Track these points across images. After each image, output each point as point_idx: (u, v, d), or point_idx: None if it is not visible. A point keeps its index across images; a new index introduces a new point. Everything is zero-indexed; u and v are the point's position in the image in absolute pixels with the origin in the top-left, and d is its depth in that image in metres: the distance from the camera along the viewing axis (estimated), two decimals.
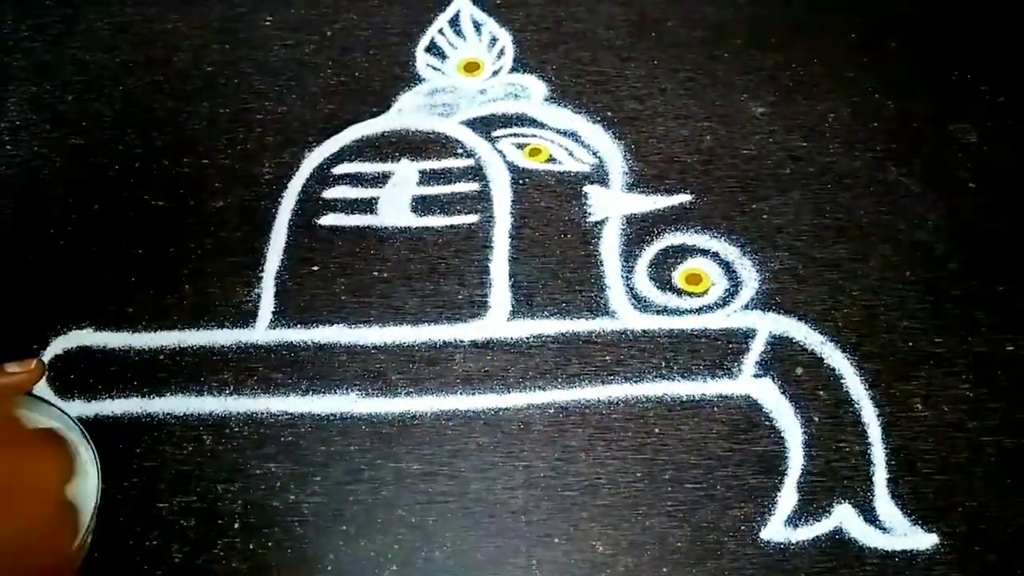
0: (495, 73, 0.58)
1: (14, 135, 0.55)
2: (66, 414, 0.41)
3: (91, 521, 0.38)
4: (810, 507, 0.43)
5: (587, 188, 0.53)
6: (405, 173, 0.53)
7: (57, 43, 0.59)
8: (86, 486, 0.40)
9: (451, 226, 0.52)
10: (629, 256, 0.51)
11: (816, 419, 0.46)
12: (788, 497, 0.44)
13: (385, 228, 0.52)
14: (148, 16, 0.60)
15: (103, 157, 0.54)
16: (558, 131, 0.55)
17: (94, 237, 0.51)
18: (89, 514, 0.38)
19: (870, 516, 0.43)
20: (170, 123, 0.56)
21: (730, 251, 0.51)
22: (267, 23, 0.60)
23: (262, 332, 0.48)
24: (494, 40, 0.59)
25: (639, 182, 0.53)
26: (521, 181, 0.53)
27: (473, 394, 0.46)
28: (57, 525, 0.32)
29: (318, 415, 0.46)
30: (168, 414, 0.45)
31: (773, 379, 0.47)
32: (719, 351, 0.48)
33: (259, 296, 0.49)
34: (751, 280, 0.50)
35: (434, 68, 0.58)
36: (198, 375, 0.47)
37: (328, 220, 0.52)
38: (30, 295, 0.49)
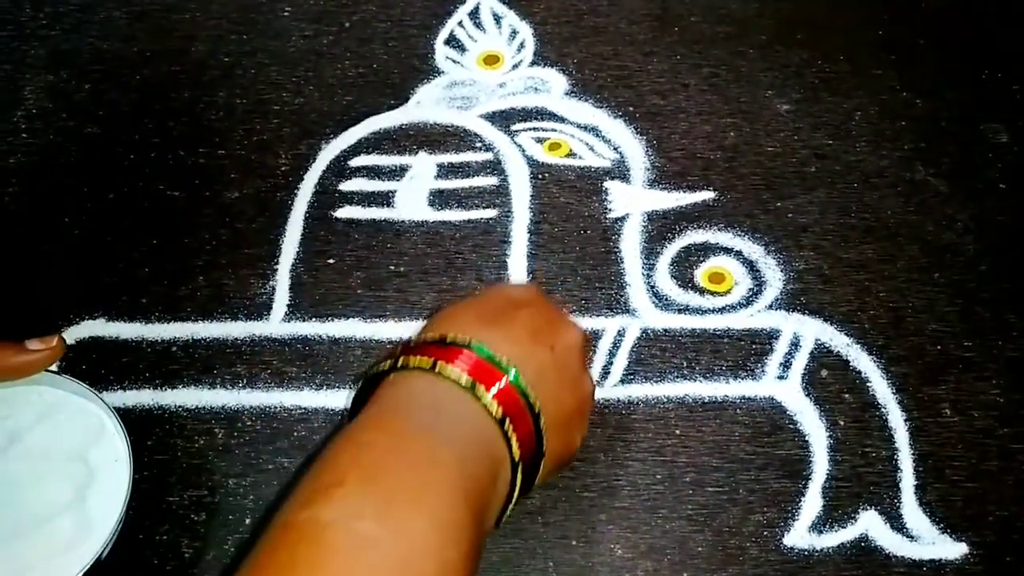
0: (515, 66, 0.57)
1: (30, 123, 0.55)
2: (88, 387, 0.42)
3: (126, 497, 0.38)
4: (835, 513, 0.42)
5: (608, 184, 0.52)
6: (423, 166, 0.53)
7: (74, 32, 0.59)
8: (113, 455, 0.40)
9: (469, 220, 0.51)
10: (650, 253, 0.50)
11: (841, 423, 0.45)
12: (812, 502, 0.42)
13: (402, 221, 0.51)
14: (166, 5, 0.60)
15: (119, 147, 0.54)
16: (579, 125, 0.54)
17: (108, 227, 0.51)
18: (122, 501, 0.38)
19: (897, 524, 0.42)
20: (186, 113, 0.55)
21: (754, 250, 0.50)
22: (285, 14, 0.59)
23: (276, 325, 0.47)
24: (514, 33, 0.59)
25: (661, 178, 0.52)
26: (540, 176, 0.53)
27: None
28: None
29: (332, 410, 0.45)
30: (180, 407, 0.45)
31: (797, 381, 0.46)
32: (742, 352, 0.47)
33: (274, 288, 0.48)
34: (775, 280, 0.49)
35: (453, 61, 0.57)
36: (211, 368, 0.46)
37: (344, 213, 0.51)
38: (43, 285, 0.49)
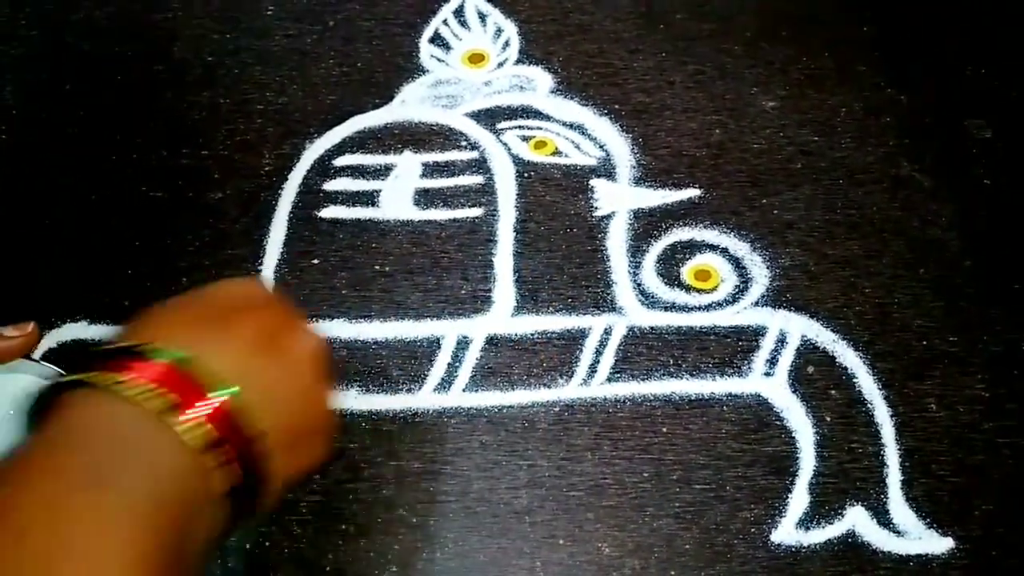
0: (500, 65, 0.57)
1: (10, 125, 0.54)
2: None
3: None
4: (822, 509, 0.42)
5: (593, 182, 0.52)
6: (408, 165, 0.52)
7: (55, 32, 0.58)
8: None
9: (454, 219, 0.51)
10: (636, 251, 0.50)
11: (828, 419, 0.45)
12: (799, 499, 0.43)
13: (387, 221, 0.51)
14: (148, 5, 0.59)
15: (100, 148, 0.53)
16: (564, 124, 0.54)
17: (90, 229, 0.50)
18: None
19: (883, 519, 0.42)
20: (169, 113, 0.55)
21: (740, 247, 0.50)
22: (269, 12, 0.59)
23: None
24: (499, 31, 0.58)
25: (647, 176, 0.52)
26: (526, 174, 0.52)
27: (476, 391, 0.45)
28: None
29: None
30: None
31: (784, 378, 0.46)
32: (728, 349, 0.47)
33: None
34: (761, 277, 0.49)
35: (438, 59, 0.57)
36: None
37: (329, 212, 0.51)
38: (24, 288, 0.48)
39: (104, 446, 0.26)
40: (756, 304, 0.48)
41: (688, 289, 0.48)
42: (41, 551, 0.23)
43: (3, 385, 0.41)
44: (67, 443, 0.26)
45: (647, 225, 0.51)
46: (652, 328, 0.47)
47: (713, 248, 0.50)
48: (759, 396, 0.45)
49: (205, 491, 0.27)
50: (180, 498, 0.26)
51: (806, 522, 0.42)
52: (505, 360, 0.46)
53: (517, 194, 0.52)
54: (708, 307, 0.48)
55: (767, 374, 0.46)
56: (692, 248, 0.50)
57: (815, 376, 0.46)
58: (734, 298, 0.48)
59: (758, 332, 0.47)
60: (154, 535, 0.24)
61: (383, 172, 0.52)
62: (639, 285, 0.48)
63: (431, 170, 0.52)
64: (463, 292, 0.48)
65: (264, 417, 0.28)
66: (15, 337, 0.40)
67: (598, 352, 0.46)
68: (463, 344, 0.46)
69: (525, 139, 0.54)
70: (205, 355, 0.28)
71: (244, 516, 0.29)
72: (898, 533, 0.42)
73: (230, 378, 0.28)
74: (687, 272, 0.49)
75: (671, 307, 0.48)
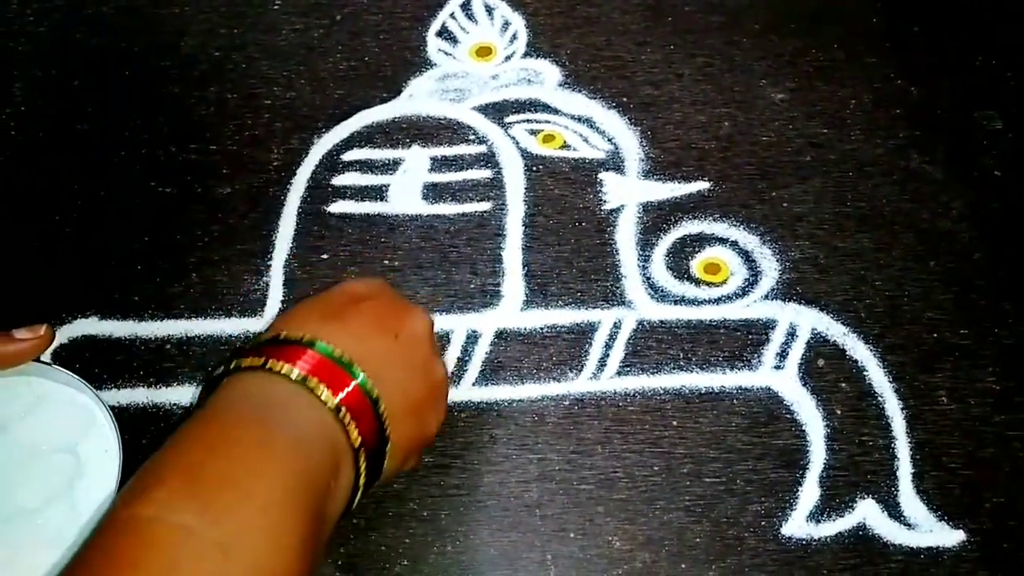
0: (508, 58, 0.57)
1: (19, 121, 0.54)
2: (78, 378, 0.41)
3: (116, 489, 0.38)
4: (832, 502, 0.42)
5: (602, 175, 0.52)
6: (416, 160, 0.52)
7: (62, 28, 0.58)
8: (103, 447, 0.40)
9: (463, 214, 0.51)
10: (645, 245, 0.50)
11: (838, 412, 0.45)
12: (810, 492, 0.43)
13: (396, 216, 0.51)
14: (155, 0, 0.59)
15: (109, 143, 0.53)
16: (572, 117, 0.54)
17: (99, 224, 0.50)
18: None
19: (894, 512, 0.42)
20: (177, 109, 0.55)
21: (749, 240, 0.50)
22: (276, 7, 0.59)
23: (270, 322, 0.47)
24: (506, 24, 0.58)
25: (655, 169, 0.52)
26: (535, 168, 0.52)
27: (486, 385, 0.45)
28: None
29: None
30: (175, 404, 0.45)
31: (794, 371, 0.46)
32: (738, 342, 0.46)
33: (267, 285, 0.48)
34: (771, 270, 0.49)
35: (445, 53, 0.57)
36: (205, 365, 0.46)
37: (338, 207, 0.51)
38: (34, 284, 0.49)
39: (259, 406, 0.32)
40: (766, 297, 0.48)
41: (698, 282, 0.48)
42: (221, 472, 0.29)
43: (16, 388, 0.42)
44: (229, 407, 0.33)
45: (656, 218, 0.50)
46: (662, 322, 0.47)
47: (723, 241, 0.50)
48: (769, 389, 0.45)
49: (341, 446, 0.32)
50: (322, 445, 0.32)
51: (817, 515, 0.42)
52: (515, 354, 0.46)
53: (526, 188, 0.52)
54: (718, 300, 0.48)
55: (777, 367, 0.46)
56: (702, 241, 0.50)
57: (825, 369, 0.46)
58: (744, 291, 0.48)
59: (768, 325, 0.47)
60: (303, 468, 0.30)
61: (391, 167, 0.52)
62: (648, 279, 0.48)
63: (439, 164, 0.52)
64: (472, 286, 0.48)
65: (383, 389, 0.34)
66: (28, 340, 0.40)
67: (608, 346, 0.46)
68: (472, 338, 0.46)
69: (533, 133, 0.53)
70: (331, 339, 0.34)
71: (371, 476, 0.34)
72: (909, 526, 0.42)
73: (353, 359, 0.34)
74: (697, 265, 0.49)
75: (681, 300, 0.48)
